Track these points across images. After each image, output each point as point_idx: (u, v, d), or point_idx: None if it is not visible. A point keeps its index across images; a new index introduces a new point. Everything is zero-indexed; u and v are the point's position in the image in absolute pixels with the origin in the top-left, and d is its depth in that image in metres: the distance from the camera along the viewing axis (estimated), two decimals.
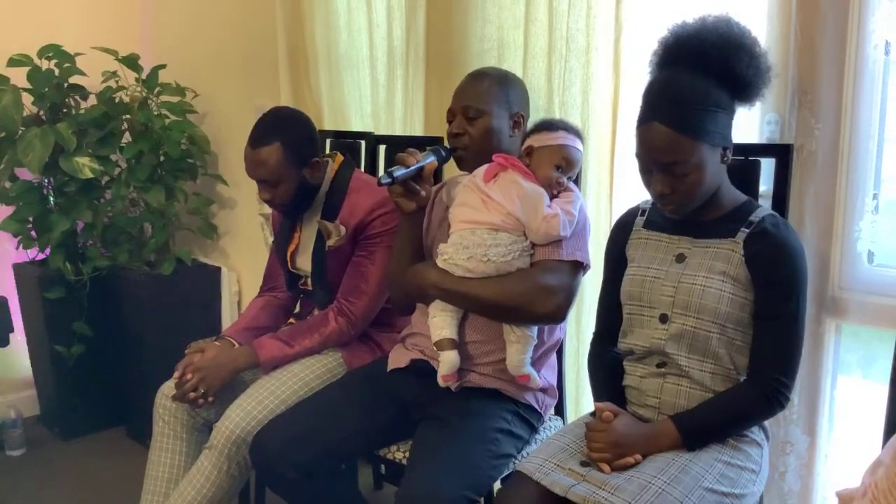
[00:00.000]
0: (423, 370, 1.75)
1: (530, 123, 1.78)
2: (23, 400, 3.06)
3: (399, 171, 1.59)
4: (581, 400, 2.02)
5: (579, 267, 1.65)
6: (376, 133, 2.38)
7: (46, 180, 2.84)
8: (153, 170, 2.83)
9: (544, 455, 1.45)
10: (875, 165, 1.59)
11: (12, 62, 2.65)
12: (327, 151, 2.31)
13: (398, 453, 1.76)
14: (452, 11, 2.12)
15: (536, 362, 1.70)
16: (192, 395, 1.88)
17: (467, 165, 1.76)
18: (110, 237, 2.93)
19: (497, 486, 1.64)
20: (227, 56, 2.98)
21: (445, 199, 1.81)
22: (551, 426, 1.83)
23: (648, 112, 1.40)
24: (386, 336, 2.04)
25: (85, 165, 2.73)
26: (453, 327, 1.67)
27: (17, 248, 2.90)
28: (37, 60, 2.69)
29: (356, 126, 2.53)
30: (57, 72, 2.75)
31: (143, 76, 2.85)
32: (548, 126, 1.70)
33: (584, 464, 1.42)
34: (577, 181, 1.76)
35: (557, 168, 1.67)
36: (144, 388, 2.49)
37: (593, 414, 1.50)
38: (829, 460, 1.72)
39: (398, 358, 1.82)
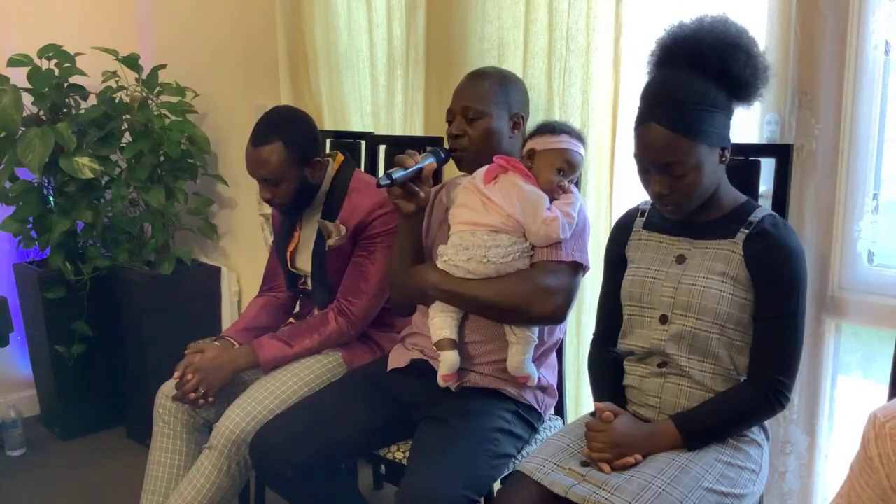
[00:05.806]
0: (423, 370, 1.75)
1: (532, 125, 1.78)
2: (23, 400, 3.06)
3: (398, 173, 1.59)
4: (581, 400, 2.02)
5: (579, 268, 1.65)
6: (376, 133, 2.38)
7: (46, 180, 2.84)
8: (153, 170, 2.83)
9: (544, 455, 1.45)
10: (875, 165, 1.59)
11: (12, 62, 2.65)
12: (327, 151, 2.31)
13: (398, 453, 1.76)
14: (452, 11, 2.11)
15: (536, 362, 1.70)
16: (192, 395, 1.88)
17: (467, 166, 1.76)
18: (110, 237, 2.93)
19: (497, 486, 1.64)
20: (227, 56, 2.98)
21: (445, 201, 1.81)
22: (551, 426, 1.83)
23: (646, 113, 1.40)
24: (386, 336, 2.04)
25: (85, 165, 2.72)
26: (453, 328, 1.67)
27: (17, 248, 2.90)
28: (37, 60, 2.68)
29: (356, 126, 2.53)
30: (57, 72, 2.75)
31: (143, 76, 2.85)
32: (550, 129, 1.70)
33: (584, 464, 1.42)
34: (577, 182, 1.76)
35: (559, 171, 1.67)
36: (144, 388, 2.50)
37: (593, 414, 1.49)
38: (829, 460, 1.72)
39: (398, 358, 1.82)
